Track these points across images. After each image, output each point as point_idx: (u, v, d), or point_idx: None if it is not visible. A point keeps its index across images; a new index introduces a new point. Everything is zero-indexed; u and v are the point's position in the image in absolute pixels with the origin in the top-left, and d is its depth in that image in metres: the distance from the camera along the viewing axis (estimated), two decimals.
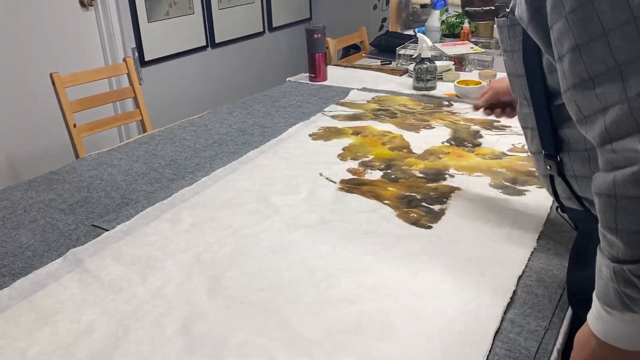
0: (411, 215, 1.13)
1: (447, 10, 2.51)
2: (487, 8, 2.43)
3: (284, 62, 3.95)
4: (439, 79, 2.10)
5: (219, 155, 1.48)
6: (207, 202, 1.21)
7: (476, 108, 1.24)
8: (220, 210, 1.17)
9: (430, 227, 1.08)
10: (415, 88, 2.00)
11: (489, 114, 1.22)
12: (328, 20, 4.35)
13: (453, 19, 2.43)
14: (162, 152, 1.53)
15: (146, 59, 3.03)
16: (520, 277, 0.92)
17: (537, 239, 1.03)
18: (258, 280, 0.93)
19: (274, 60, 3.91)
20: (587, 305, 0.70)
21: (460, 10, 2.47)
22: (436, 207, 1.16)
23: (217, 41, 3.44)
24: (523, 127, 0.88)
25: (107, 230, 1.12)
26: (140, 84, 3.06)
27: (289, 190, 1.25)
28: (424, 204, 1.17)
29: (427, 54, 1.98)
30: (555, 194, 0.86)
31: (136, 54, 2.98)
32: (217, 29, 3.42)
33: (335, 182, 1.28)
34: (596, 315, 0.68)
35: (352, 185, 1.27)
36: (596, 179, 0.64)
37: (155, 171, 1.40)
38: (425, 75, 1.97)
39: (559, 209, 0.90)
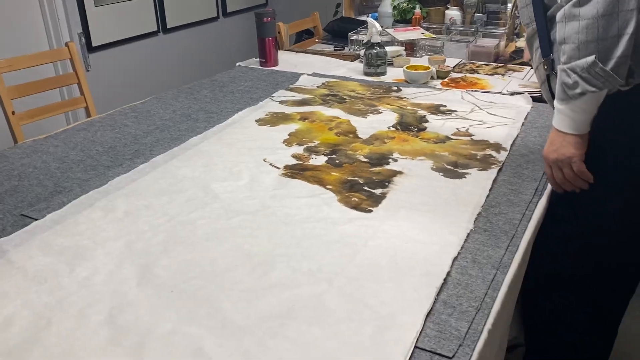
0: (352, 199, 1.12)
1: None
2: None
3: (238, 48, 3.89)
4: (389, 64, 2.09)
5: (159, 142, 1.44)
6: (143, 190, 1.17)
7: None
8: (157, 198, 1.13)
9: (370, 211, 1.07)
10: (365, 73, 1.99)
11: None
12: (284, 6, 4.30)
13: (405, 5, 2.43)
14: (101, 138, 1.47)
15: (94, 45, 2.92)
16: (455, 258, 0.92)
17: (474, 220, 1.03)
18: (191, 269, 0.91)
19: (229, 46, 3.84)
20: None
21: None
22: (378, 191, 1.15)
23: (169, 26, 3.35)
24: (530, 48, 1.18)
25: (36, 219, 1.07)
26: (88, 70, 2.98)
27: (231, 176, 1.22)
28: (366, 188, 1.17)
29: (377, 39, 1.97)
30: (552, 93, 1.11)
31: (83, 39, 2.87)
32: (168, 14, 3.33)
33: (278, 168, 1.26)
34: (555, 113, 1.05)
35: (296, 171, 1.25)
36: (558, 14, 0.98)
37: (92, 158, 1.35)
38: (376, 61, 1.96)
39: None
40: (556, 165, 1.07)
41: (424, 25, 2.38)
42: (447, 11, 2.42)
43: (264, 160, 1.30)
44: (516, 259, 0.92)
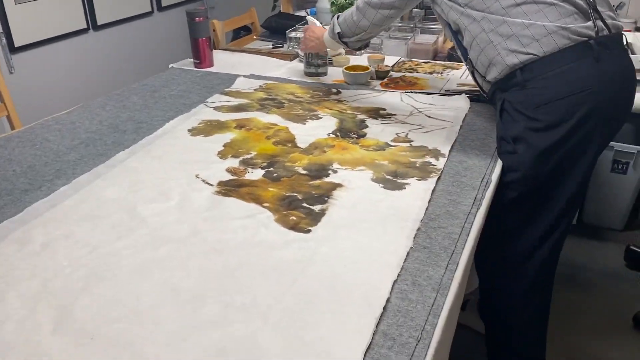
0: (290, 218, 1.07)
1: None
2: None
3: (175, 44, 3.74)
4: (329, 63, 2.05)
5: (84, 159, 1.34)
6: (64, 216, 1.08)
7: None
8: (78, 225, 1.05)
9: (309, 231, 1.03)
10: (306, 74, 1.94)
11: None
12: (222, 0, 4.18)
13: (343, 1, 2.38)
14: (18, 157, 1.36)
15: (16, 45, 2.74)
16: (395, 281, 0.89)
17: (414, 237, 1.00)
18: (114, 309, 0.84)
19: (165, 42, 3.69)
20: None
21: None
22: (317, 208, 1.11)
23: (99, 23, 3.19)
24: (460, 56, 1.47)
25: None
26: (12, 73, 2.79)
27: (159, 196, 1.15)
28: (304, 204, 1.12)
29: None
30: (479, 87, 1.44)
31: (4, 39, 2.68)
32: (98, 10, 3.16)
33: (212, 185, 1.20)
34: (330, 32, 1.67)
35: (230, 188, 1.19)
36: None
37: (7, 181, 1.24)
38: (316, 60, 1.91)
39: (486, 98, 1.48)
40: (305, 40, 1.83)
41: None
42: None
43: (196, 176, 1.23)
44: (456, 278, 0.90)
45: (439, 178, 1.21)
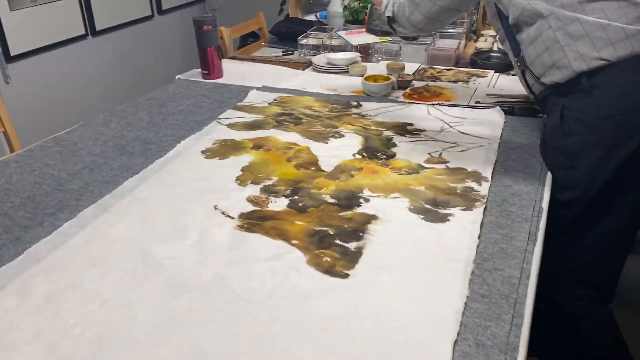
0: (324, 259, 0.95)
1: None
2: None
3: (178, 48, 3.62)
4: (344, 72, 1.93)
5: (89, 187, 1.22)
6: (69, 261, 0.96)
7: None
8: (85, 272, 0.93)
9: (347, 276, 0.91)
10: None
11: None
12: (225, 1, 4.05)
13: (356, 4, 2.26)
14: (17, 185, 1.24)
15: (12, 54, 2.61)
16: (455, 342, 0.77)
17: (469, 282, 0.88)
18: None
19: (167, 47, 3.57)
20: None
21: None
22: (352, 245, 0.99)
23: (98, 28, 3.06)
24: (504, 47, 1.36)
25: None
26: (8, 83, 2.66)
27: (175, 234, 1.03)
28: (337, 241, 1.00)
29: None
30: (528, 87, 1.31)
31: None
32: (97, 14, 3.03)
33: (233, 218, 1.08)
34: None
35: (254, 221, 1.06)
36: None
37: (5, 216, 1.12)
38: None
39: (534, 100, 1.35)
40: None
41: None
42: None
43: (215, 207, 1.11)
44: (524, 335, 0.78)
45: (485, 207, 1.09)
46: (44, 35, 2.74)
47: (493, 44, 2.09)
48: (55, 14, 2.77)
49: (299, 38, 2.17)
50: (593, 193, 1.15)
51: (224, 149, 1.37)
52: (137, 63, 3.36)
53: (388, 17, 1.48)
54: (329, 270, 0.92)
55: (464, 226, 1.03)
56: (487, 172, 1.22)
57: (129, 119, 1.60)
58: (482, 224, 1.04)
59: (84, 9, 2.95)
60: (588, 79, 1.12)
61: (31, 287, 0.89)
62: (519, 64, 1.28)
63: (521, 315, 0.82)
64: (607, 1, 1.10)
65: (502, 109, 1.52)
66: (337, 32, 2.20)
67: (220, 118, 1.57)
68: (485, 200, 1.11)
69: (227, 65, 2.04)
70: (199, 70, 1.96)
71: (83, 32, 2.98)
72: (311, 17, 2.60)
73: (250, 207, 1.11)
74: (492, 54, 2.00)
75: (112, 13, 3.13)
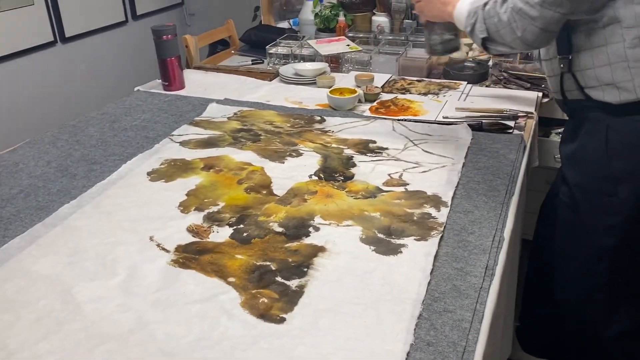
0: (260, 301, 0.87)
1: (321, 1, 2.25)
2: None
3: (153, 56, 3.51)
4: (312, 83, 1.85)
5: (20, 214, 1.13)
6: None
7: None
8: None
9: (282, 320, 0.83)
10: (432, 52, 1.42)
11: None
12: (203, 6, 3.96)
13: (327, 12, 2.18)
14: None
15: None
16: None
17: (415, 328, 0.80)
18: None
19: (141, 54, 3.46)
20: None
21: (335, 1, 2.22)
22: (294, 284, 0.90)
23: (67, 35, 2.96)
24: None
25: None
26: None
27: (102, 270, 0.94)
28: (279, 278, 0.92)
29: None
30: (561, 89, 1.18)
31: None
32: (66, 20, 2.93)
33: (168, 252, 0.99)
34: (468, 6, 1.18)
35: (190, 255, 0.98)
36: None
37: None
38: (444, 31, 1.35)
39: (560, 102, 1.24)
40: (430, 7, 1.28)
41: (350, 35, 2.14)
42: (373, 17, 2.19)
43: (151, 239, 1.03)
44: None
45: (441, 237, 1.01)
46: (9, 42, 2.64)
47: (467, 53, 2.02)
48: (22, 20, 2.67)
49: (267, 47, 2.09)
50: (634, 220, 1.11)
51: (172, 170, 1.29)
52: (110, 71, 3.26)
53: (483, 38, 1.15)
54: (264, 315, 0.84)
55: (416, 259, 0.95)
56: (447, 196, 1.14)
57: (79, 136, 1.51)
58: (436, 256, 0.96)
59: (52, 14, 2.85)
60: None
61: None
62: (561, 65, 1.13)
63: None
64: None
65: (470, 125, 1.44)
66: (308, 41, 2.12)
67: (173, 135, 1.48)
68: (442, 229, 1.03)
69: (191, 75, 1.96)
70: (161, 81, 1.87)
71: (51, 38, 2.88)
72: (284, 24, 2.52)
73: (189, 239, 1.03)
74: (466, 64, 1.92)
75: (82, 19, 3.03)
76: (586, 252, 1.20)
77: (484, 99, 1.65)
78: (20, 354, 0.77)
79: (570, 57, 1.11)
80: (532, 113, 1.53)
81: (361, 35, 2.14)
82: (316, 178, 1.24)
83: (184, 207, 1.13)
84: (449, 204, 1.12)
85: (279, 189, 1.20)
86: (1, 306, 0.86)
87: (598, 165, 1.12)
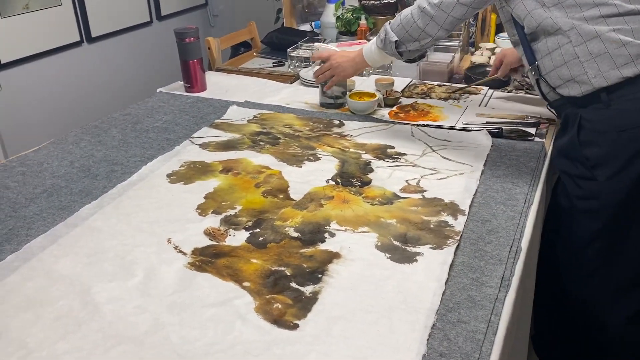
0: (275, 306, 0.87)
1: (343, 4, 2.25)
2: (386, 2, 2.19)
3: (177, 57, 3.56)
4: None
5: (43, 214, 1.16)
6: (1, 301, 0.89)
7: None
8: (16, 316, 0.86)
9: (296, 327, 0.83)
10: (322, 105, 1.68)
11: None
12: (226, 7, 4.00)
13: (349, 15, 2.18)
14: None
15: (3, 62, 2.57)
16: None
17: (428, 338, 0.80)
18: None
19: (165, 55, 3.51)
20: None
21: (357, 4, 2.22)
22: (308, 290, 0.91)
23: (93, 35, 3.01)
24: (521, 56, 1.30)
25: None
26: None
27: (120, 271, 0.96)
28: (293, 284, 0.92)
29: None
30: (542, 94, 1.29)
31: None
32: (93, 21, 2.98)
33: (185, 254, 1.00)
34: (370, 49, 1.47)
35: (206, 258, 0.99)
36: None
37: None
38: (335, 91, 1.65)
39: (548, 105, 1.35)
40: (334, 69, 1.56)
41: (371, 38, 2.13)
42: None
43: (169, 241, 1.04)
44: None
45: (458, 246, 1.00)
46: (37, 42, 2.70)
47: (489, 58, 2.00)
48: (49, 21, 2.73)
49: (288, 50, 2.10)
50: (616, 202, 1.15)
51: (191, 172, 1.30)
52: (133, 71, 3.31)
53: (396, 41, 1.36)
54: (277, 320, 0.84)
55: (431, 268, 0.94)
56: (465, 204, 1.13)
57: (101, 137, 1.53)
58: (452, 265, 0.95)
59: (79, 15, 2.91)
60: (607, 93, 1.12)
61: None
62: (533, 72, 1.26)
63: None
64: (631, 16, 1.09)
65: (490, 132, 1.43)
66: (329, 44, 2.12)
67: (193, 137, 1.50)
68: (458, 238, 1.03)
69: (213, 77, 1.98)
70: (183, 82, 1.89)
71: (78, 38, 2.94)
72: (306, 27, 2.53)
73: (206, 242, 1.04)
74: (487, 68, 1.90)
75: (108, 19, 3.08)
76: (579, 238, 1.23)
77: (506, 104, 1.63)
78: (39, 353, 0.79)
79: (537, 65, 1.23)
80: (554, 120, 1.50)
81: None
82: (333, 183, 1.24)
83: (202, 210, 1.14)
84: (467, 212, 1.11)
85: (296, 193, 1.20)
86: (22, 305, 0.88)
87: (576, 153, 1.18)
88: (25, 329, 0.83)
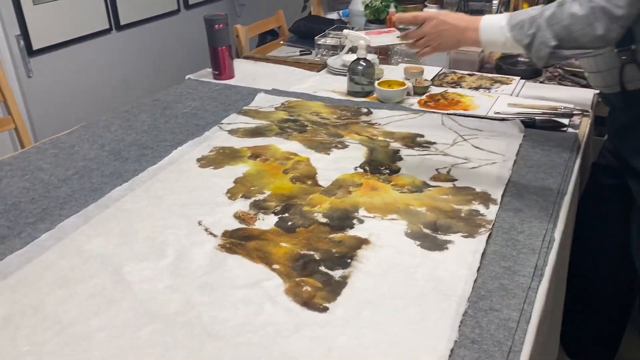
0: (304, 289, 0.87)
1: None
2: None
3: (204, 45, 3.57)
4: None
5: (75, 195, 1.17)
6: (36, 278, 0.91)
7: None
8: (50, 293, 0.87)
9: (326, 310, 0.83)
10: (350, 93, 1.67)
11: None
12: None
13: (378, 3, 2.16)
14: (4, 190, 1.20)
15: (35, 48, 2.61)
16: None
17: (460, 325, 0.79)
18: None
19: (192, 43, 3.52)
20: None
21: None
22: (337, 274, 0.90)
23: (122, 23, 3.04)
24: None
25: None
26: (30, 77, 2.67)
27: (152, 252, 0.97)
28: (322, 268, 0.92)
29: (363, 53, 1.69)
30: (621, 79, 1.17)
31: (21, 42, 2.56)
32: (122, 8, 3.01)
33: (215, 236, 1.01)
34: (495, 31, 1.12)
35: (236, 241, 0.99)
36: None
37: None
38: (363, 78, 1.65)
39: (614, 96, 1.22)
40: (432, 38, 1.24)
41: (400, 27, 2.11)
42: (425, 9, 2.15)
43: (199, 223, 1.05)
44: None
45: (489, 235, 0.99)
46: (67, 29, 2.73)
47: None
48: (79, 8, 2.76)
49: (315, 38, 2.09)
50: None
51: (220, 157, 1.31)
52: (162, 59, 3.33)
53: (554, 46, 1.05)
54: (307, 303, 0.84)
55: (463, 256, 0.93)
56: (497, 194, 1.11)
57: (131, 122, 1.55)
58: (483, 254, 0.94)
59: (109, 3, 2.94)
60: None
61: None
62: (623, 57, 1.13)
63: None
64: None
65: (522, 121, 1.41)
66: (357, 32, 2.10)
67: (222, 123, 1.50)
68: (490, 227, 1.01)
69: (240, 65, 1.98)
70: (211, 70, 1.90)
71: (107, 26, 2.97)
72: (333, 15, 2.51)
73: (236, 224, 1.04)
74: (519, 58, 1.87)
75: (137, 7, 3.10)
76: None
77: (537, 94, 1.60)
78: (73, 329, 0.80)
79: (632, 48, 1.11)
80: (587, 111, 1.47)
81: (412, 26, 2.11)
82: (361, 170, 1.24)
83: (232, 194, 1.15)
84: (499, 201, 1.09)
85: (324, 180, 1.20)
86: (57, 282, 0.90)
87: None
88: (60, 305, 0.85)
